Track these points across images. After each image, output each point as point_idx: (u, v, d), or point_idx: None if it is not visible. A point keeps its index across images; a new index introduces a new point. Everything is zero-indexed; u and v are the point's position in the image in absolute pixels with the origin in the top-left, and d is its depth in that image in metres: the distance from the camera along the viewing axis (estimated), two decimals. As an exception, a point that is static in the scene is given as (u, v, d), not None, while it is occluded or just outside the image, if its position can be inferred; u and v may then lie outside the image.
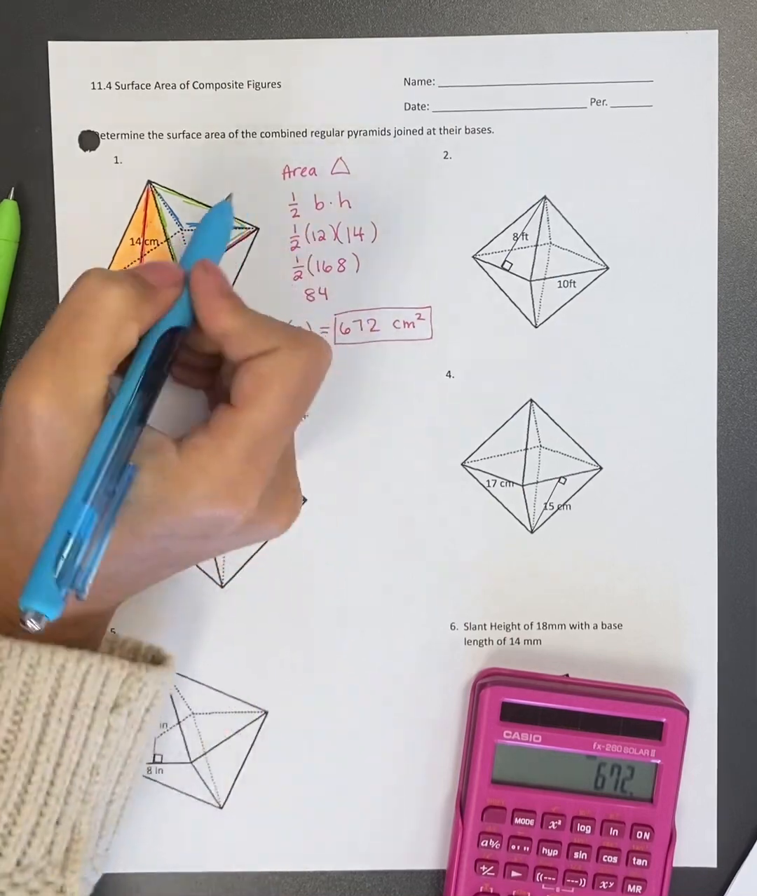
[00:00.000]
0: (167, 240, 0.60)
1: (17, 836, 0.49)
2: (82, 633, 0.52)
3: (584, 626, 0.61)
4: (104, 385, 0.48)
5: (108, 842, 0.54)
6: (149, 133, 0.60)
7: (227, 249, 0.59)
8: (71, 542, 0.46)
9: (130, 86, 0.60)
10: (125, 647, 0.56)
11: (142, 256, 0.60)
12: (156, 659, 0.55)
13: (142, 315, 0.49)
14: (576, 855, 0.58)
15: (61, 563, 0.46)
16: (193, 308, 0.51)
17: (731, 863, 0.62)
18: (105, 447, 0.47)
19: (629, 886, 0.58)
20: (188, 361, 0.55)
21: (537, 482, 0.61)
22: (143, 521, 0.48)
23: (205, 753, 0.61)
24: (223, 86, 0.60)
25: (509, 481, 0.61)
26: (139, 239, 0.60)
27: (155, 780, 0.61)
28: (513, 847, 0.58)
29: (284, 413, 0.49)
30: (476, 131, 0.60)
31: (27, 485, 0.48)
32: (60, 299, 0.60)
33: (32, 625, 0.45)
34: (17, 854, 0.49)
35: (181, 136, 0.60)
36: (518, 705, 0.58)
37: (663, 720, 0.58)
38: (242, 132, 0.60)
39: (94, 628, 0.54)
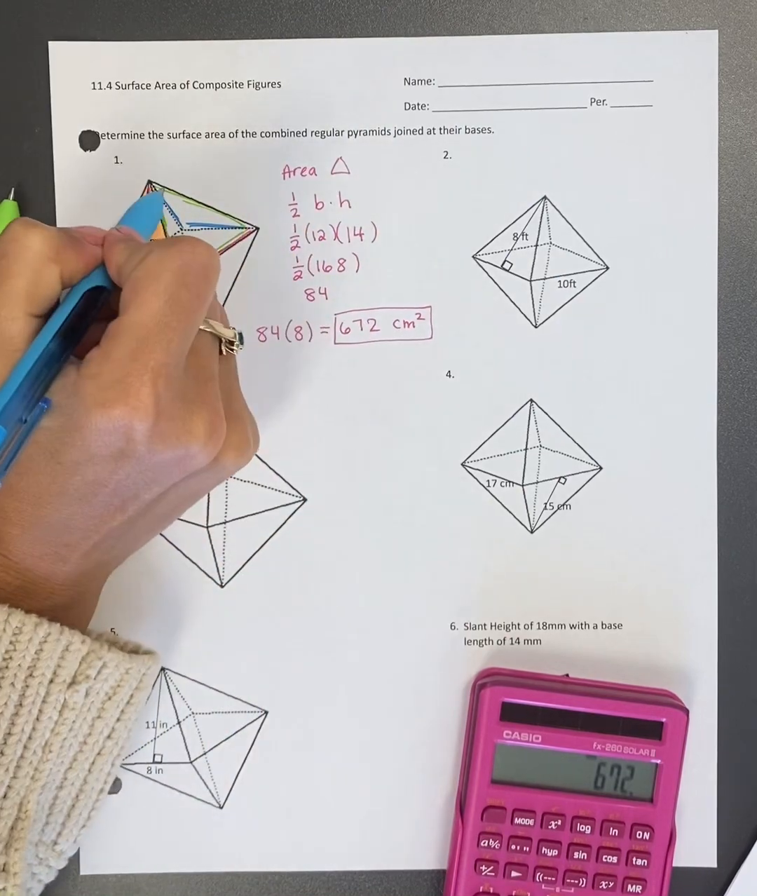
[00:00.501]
0: (167, 240, 0.60)
1: None
2: (57, 601, 0.52)
3: (584, 626, 0.61)
4: (26, 324, 0.49)
5: (70, 839, 0.54)
6: (149, 133, 0.60)
7: (222, 251, 0.60)
8: None
9: (130, 86, 0.60)
10: (125, 649, 0.56)
11: (142, 256, 0.60)
12: (134, 652, 0.55)
13: (64, 260, 0.50)
14: (576, 855, 0.58)
15: None
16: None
17: (731, 863, 0.62)
18: (21, 376, 0.48)
19: (629, 886, 0.58)
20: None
21: (537, 482, 0.61)
22: (58, 446, 0.48)
23: (205, 753, 0.61)
24: (223, 86, 0.60)
25: (509, 481, 0.61)
26: (139, 239, 0.60)
27: (155, 780, 0.61)
28: (513, 847, 0.58)
29: (163, 309, 0.49)
30: (476, 131, 0.60)
31: None
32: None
33: None
34: None
35: (181, 136, 0.60)
36: (518, 705, 0.58)
37: (663, 720, 0.58)
38: (242, 132, 0.60)
39: (76, 603, 0.53)
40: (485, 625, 0.61)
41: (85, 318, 0.51)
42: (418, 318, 0.60)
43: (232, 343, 0.53)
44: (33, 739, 0.50)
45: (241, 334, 0.53)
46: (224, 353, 0.53)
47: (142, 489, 0.50)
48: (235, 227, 0.60)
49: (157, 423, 0.48)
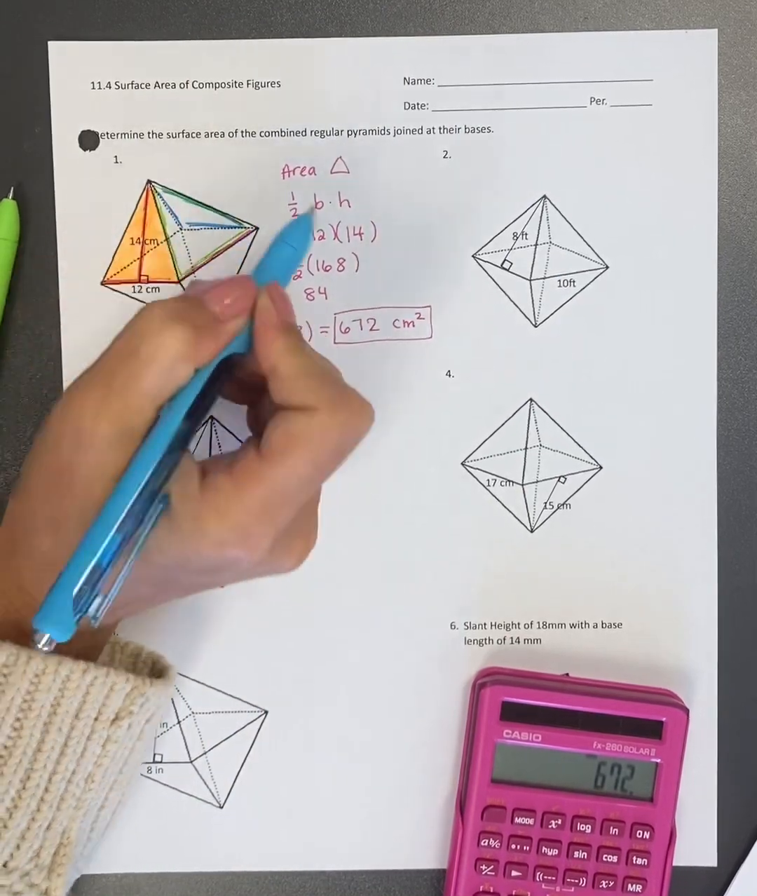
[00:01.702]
0: (167, 239, 0.60)
1: (7, 841, 0.49)
2: (86, 643, 0.52)
3: (583, 626, 0.61)
4: (152, 416, 0.48)
5: (94, 844, 0.54)
6: (149, 133, 0.60)
7: (222, 251, 0.60)
8: (91, 567, 0.46)
9: (130, 86, 0.60)
10: (126, 651, 0.56)
11: (141, 256, 0.60)
12: (156, 665, 0.55)
13: (199, 355, 0.48)
14: (576, 854, 0.58)
15: (79, 588, 0.45)
16: (252, 334, 0.50)
17: (731, 862, 0.62)
18: (145, 476, 0.47)
19: (629, 886, 0.58)
20: (239, 379, 0.53)
21: (537, 481, 0.61)
22: (156, 549, 0.48)
23: (205, 753, 0.61)
24: (223, 86, 0.60)
25: (509, 481, 0.61)
26: (139, 238, 0.60)
27: (155, 780, 0.61)
28: (513, 846, 0.58)
29: (309, 476, 0.48)
30: (476, 130, 0.60)
31: (59, 500, 0.48)
32: (61, 299, 0.60)
33: (43, 646, 0.45)
34: (4, 857, 0.49)
35: (181, 135, 0.60)
36: (518, 705, 0.58)
37: (663, 719, 0.58)
38: (242, 132, 0.60)
39: (98, 639, 0.54)
40: (485, 624, 0.61)
41: (212, 392, 0.50)
42: (418, 318, 0.60)
43: None
44: (77, 774, 0.51)
45: None
46: None
47: (211, 587, 0.52)
48: (235, 227, 0.60)
49: (265, 557, 0.49)
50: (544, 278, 0.61)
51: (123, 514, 0.46)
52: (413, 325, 0.60)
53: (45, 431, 0.49)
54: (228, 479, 0.48)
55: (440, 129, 0.60)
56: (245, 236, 0.60)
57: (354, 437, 0.49)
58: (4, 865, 0.49)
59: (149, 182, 0.60)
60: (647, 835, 0.58)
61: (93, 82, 0.60)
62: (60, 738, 0.50)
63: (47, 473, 0.49)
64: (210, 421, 0.60)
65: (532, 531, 0.61)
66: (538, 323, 0.61)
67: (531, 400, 0.61)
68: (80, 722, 0.50)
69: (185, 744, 0.61)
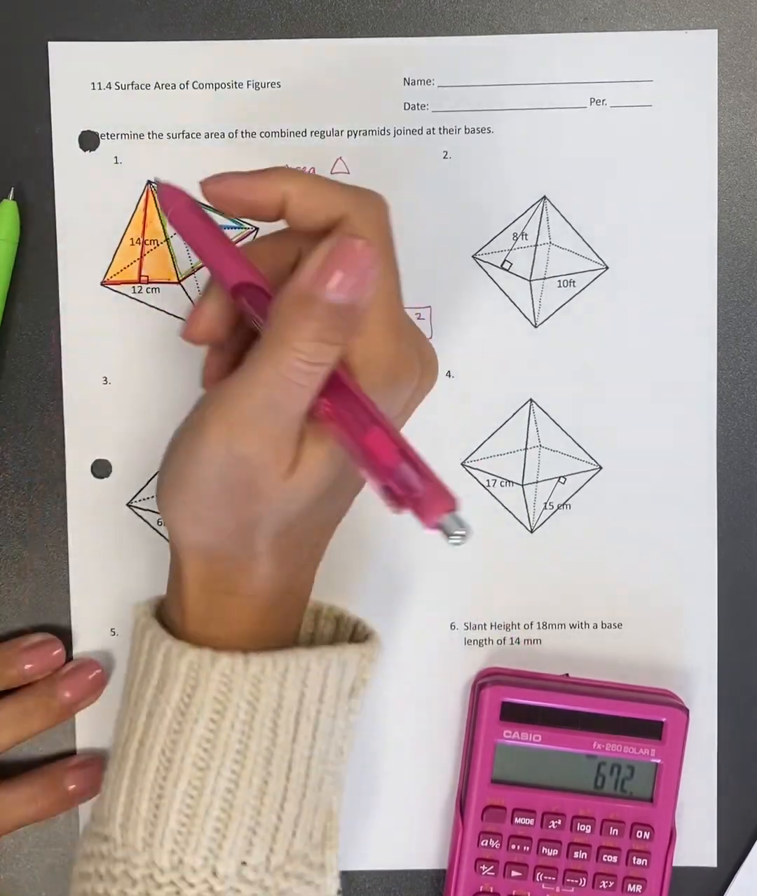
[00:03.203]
0: (167, 240, 0.60)
1: (283, 831, 0.50)
2: (287, 611, 0.52)
3: (584, 626, 0.61)
4: (303, 422, 0.46)
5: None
6: (149, 133, 0.60)
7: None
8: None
9: (130, 86, 0.60)
10: (330, 615, 0.56)
11: (141, 256, 0.60)
12: (357, 628, 0.56)
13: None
14: (576, 854, 0.58)
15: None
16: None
17: (731, 863, 0.62)
18: None
19: (629, 886, 0.58)
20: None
21: (537, 482, 0.61)
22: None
23: (205, 753, 0.61)
24: (223, 86, 0.60)
25: (509, 481, 0.61)
26: (139, 239, 0.60)
27: (155, 780, 0.61)
28: (513, 847, 0.58)
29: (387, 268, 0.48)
30: (476, 131, 0.60)
31: (248, 505, 0.47)
32: (61, 299, 0.60)
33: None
34: (287, 846, 0.50)
35: (181, 136, 0.60)
36: (518, 705, 0.58)
37: (663, 720, 0.58)
38: (242, 132, 0.60)
39: (305, 584, 0.54)
40: (485, 625, 0.61)
41: None
42: (418, 318, 0.60)
43: None
44: (329, 752, 0.51)
45: None
46: None
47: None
48: (235, 228, 0.60)
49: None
50: (544, 279, 0.61)
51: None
52: (413, 326, 0.60)
53: (204, 469, 0.47)
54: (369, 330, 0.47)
55: (440, 129, 0.60)
56: (245, 237, 0.60)
57: (387, 216, 0.48)
58: (287, 853, 0.50)
59: (149, 182, 0.60)
60: (647, 835, 0.58)
61: (93, 82, 0.60)
62: (310, 726, 0.50)
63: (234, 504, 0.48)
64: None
65: (532, 531, 0.61)
66: (538, 323, 0.61)
67: (531, 400, 0.61)
68: (325, 704, 0.51)
69: (185, 744, 0.61)
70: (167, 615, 0.52)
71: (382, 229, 0.48)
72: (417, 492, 0.41)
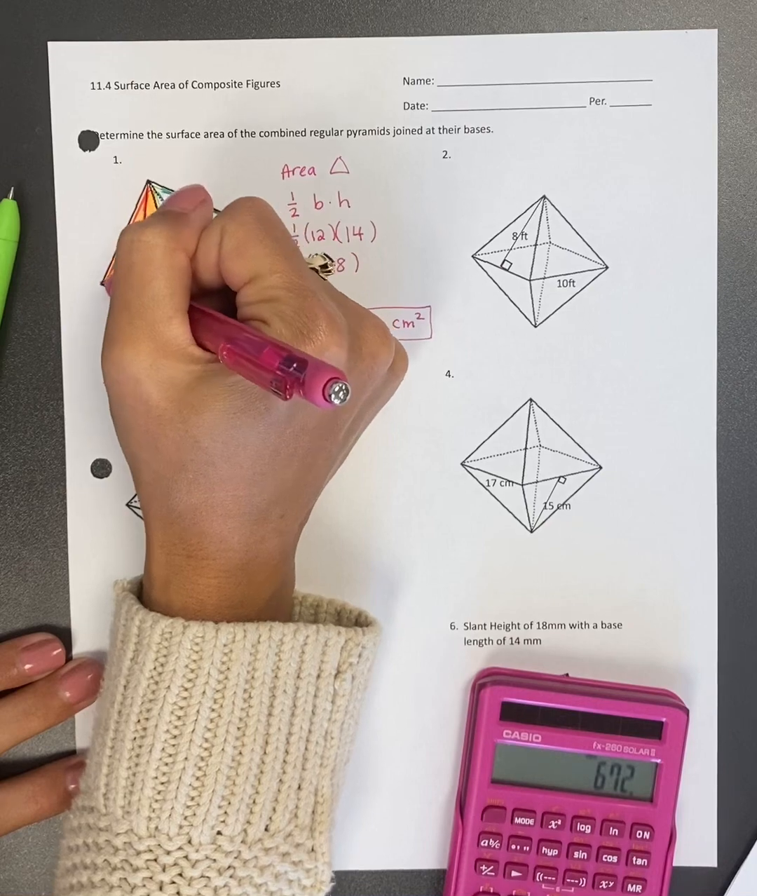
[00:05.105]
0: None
1: (261, 804, 0.51)
2: (282, 577, 0.54)
3: (584, 626, 0.61)
4: (182, 319, 0.50)
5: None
6: (149, 133, 0.60)
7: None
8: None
9: (130, 86, 0.60)
10: (331, 608, 0.57)
11: (142, 256, 0.60)
12: (359, 620, 0.57)
13: (184, 243, 0.51)
14: (576, 854, 0.58)
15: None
16: None
17: (731, 862, 0.62)
18: None
19: (629, 886, 0.58)
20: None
21: (537, 482, 0.61)
22: (264, 409, 0.49)
23: (205, 753, 0.61)
24: (223, 86, 0.60)
25: (509, 481, 0.61)
26: (139, 239, 0.60)
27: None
28: (513, 847, 0.58)
29: (275, 253, 0.50)
30: (475, 131, 0.60)
31: (157, 436, 0.50)
32: (61, 299, 0.60)
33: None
34: (264, 820, 0.51)
35: (181, 135, 0.60)
36: (518, 705, 0.58)
37: (663, 720, 0.58)
38: (242, 132, 0.60)
39: (289, 569, 0.55)
40: (485, 625, 0.61)
41: None
42: (418, 318, 0.60)
43: (325, 267, 0.54)
44: (313, 732, 0.52)
45: (327, 255, 0.55)
46: (323, 279, 0.54)
47: (341, 418, 0.52)
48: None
49: (348, 344, 0.50)
50: (544, 278, 0.61)
51: None
52: (413, 325, 0.60)
53: (114, 403, 0.51)
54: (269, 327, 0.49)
55: (440, 129, 0.60)
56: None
57: (261, 207, 0.51)
58: (266, 829, 0.51)
59: (149, 182, 0.60)
60: (647, 835, 0.58)
61: (93, 82, 0.60)
62: (288, 700, 0.52)
63: (136, 426, 0.50)
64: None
65: (532, 531, 0.61)
66: (538, 323, 0.61)
67: (531, 400, 0.61)
68: (303, 681, 0.52)
69: (185, 744, 0.61)
70: (143, 590, 0.54)
71: (255, 220, 0.51)
72: (302, 376, 0.44)
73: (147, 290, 0.50)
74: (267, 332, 0.48)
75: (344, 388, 0.43)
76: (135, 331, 0.50)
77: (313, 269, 0.53)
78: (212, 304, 0.52)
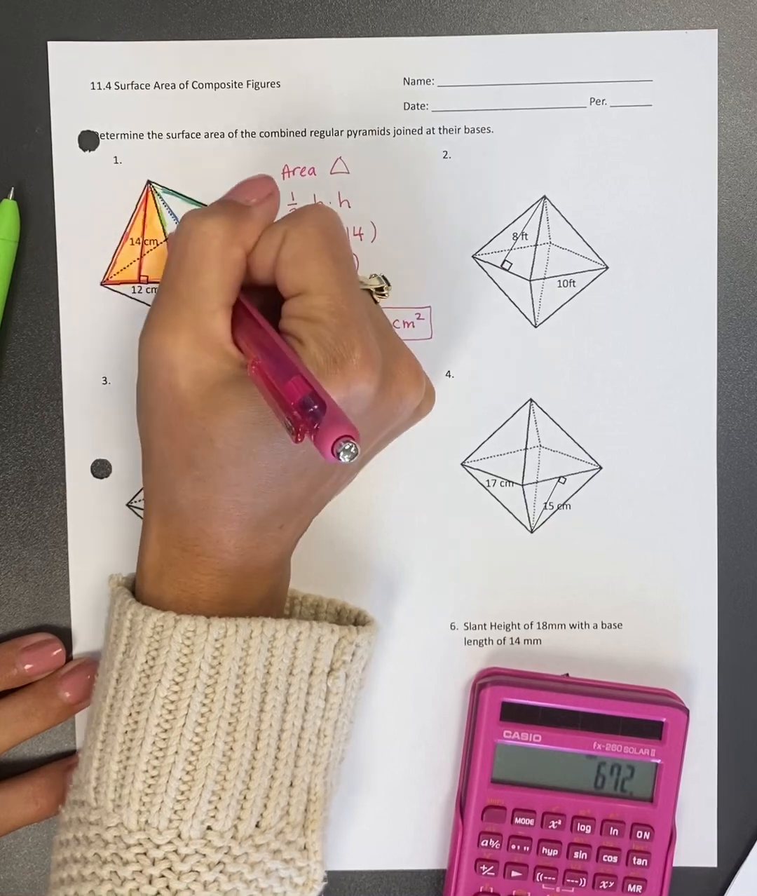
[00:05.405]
0: (167, 240, 0.60)
1: (252, 801, 0.51)
2: (274, 581, 0.54)
3: (584, 626, 0.61)
4: (226, 313, 0.50)
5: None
6: (149, 133, 0.60)
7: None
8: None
9: (130, 86, 0.60)
10: (331, 608, 0.58)
11: (141, 256, 0.60)
12: (358, 620, 0.57)
13: (243, 238, 0.50)
14: (576, 855, 0.58)
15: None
16: None
17: (731, 862, 0.62)
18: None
19: (629, 886, 0.58)
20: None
21: (537, 482, 0.61)
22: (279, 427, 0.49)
23: (205, 753, 0.61)
24: (223, 86, 0.60)
25: (509, 481, 0.61)
26: (139, 239, 0.60)
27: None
28: (513, 847, 0.58)
29: (329, 273, 0.50)
30: (475, 131, 0.60)
31: (176, 425, 0.50)
32: (61, 299, 0.60)
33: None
34: (255, 817, 0.51)
35: (181, 135, 0.60)
36: (518, 705, 0.58)
37: (663, 720, 0.58)
38: (242, 132, 0.60)
39: (285, 573, 0.55)
40: (485, 625, 0.61)
41: None
42: (418, 318, 0.60)
43: (381, 290, 0.54)
44: (306, 730, 0.52)
45: (385, 278, 0.54)
46: (376, 302, 0.54)
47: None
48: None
49: (378, 381, 0.49)
50: (544, 278, 0.61)
51: None
52: (413, 326, 0.60)
53: (144, 384, 0.51)
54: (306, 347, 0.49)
55: (440, 129, 0.60)
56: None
57: (330, 221, 0.51)
58: (257, 825, 0.51)
59: (149, 182, 0.60)
60: (647, 835, 0.58)
61: (93, 82, 0.60)
62: (280, 696, 0.52)
63: (160, 409, 0.50)
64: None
65: (532, 531, 0.61)
66: (538, 323, 0.61)
67: (531, 400, 0.61)
68: (296, 678, 0.52)
69: (185, 744, 0.61)
70: (136, 583, 0.54)
71: (320, 233, 0.50)
72: (318, 423, 0.44)
73: (198, 280, 0.50)
74: (301, 352, 0.48)
75: (354, 447, 0.42)
76: (179, 319, 0.50)
77: (366, 290, 0.53)
78: (260, 300, 0.51)
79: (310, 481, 0.51)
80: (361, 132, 0.60)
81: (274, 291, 0.51)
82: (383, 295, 0.54)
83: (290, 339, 0.49)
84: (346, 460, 0.43)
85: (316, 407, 0.43)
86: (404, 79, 0.60)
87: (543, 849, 0.58)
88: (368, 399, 0.49)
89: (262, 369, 0.47)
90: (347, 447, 0.43)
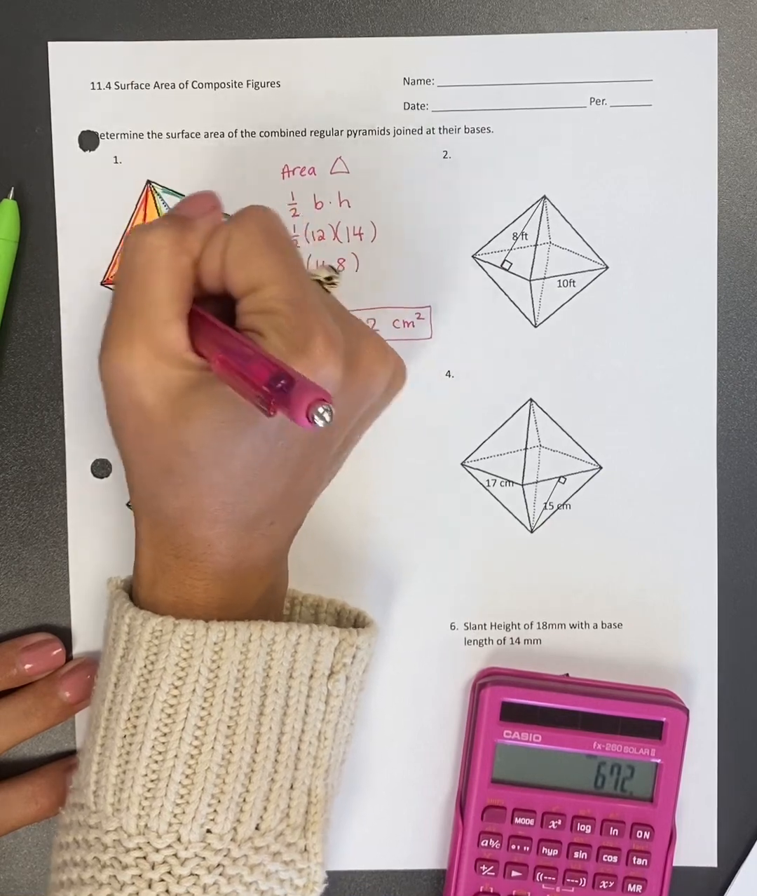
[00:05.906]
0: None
1: (251, 803, 0.51)
2: (270, 580, 0.54)
3: (584, 626, 0.61)
4: (181, 323, 0.49)
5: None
6: (148, 133, 0.60)
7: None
8: None
9: (130, 86, 0.60)
10: (331, 608, 0.58)
11: (142, 256, 0.60)
12: (358, 621, 0.57)
13: (188, 246, 0.50)
14: (576, 854, 0.58)
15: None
16: None
17: (731, 862, 0.62)
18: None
19: (629, 886, 0.58)
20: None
21: (537, 482, 0.61)
22: (257, 422, 0.49)
23: (205, 753, 0.61)
24: (223, 86, 0.60)
25: (509, 481, 0.61)
26: (139, 239, 0.60)
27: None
28: (513, 847, 0.58)
29: (277, 265, 0.50)
30: (475, 131, 0.60)
31: (147, 438, 0.49)
32: (61, 299, 0.60)
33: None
34: (255, 819, 0.51)
35: (181, 136, 0.60)
36: (518, 705, 0.58)
37: (663, 720, 0.58)
38: (242, 132, 0.60)
39: (282, 571, 0.55)
40: (485, 625, 0.61)
41: None
42: (418, 318, 0.60)
43: (330, 279, 0.54)
44: (306, 733, 0.52)
45: (333, 267, 0.54)
46: (327, 291, 0.54)
47: (334, 433, 0.52)
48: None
49: (343, 363, 0.49)
50: (544, 278, 0.61)
51: None
52: (413, 326, 0.61)
53: (108, 402, 0.51)
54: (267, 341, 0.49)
55: (440, 129, 0.60)
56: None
57: (267, 218, 0.51)
58: (257, 828, 0.51)
59: (149, 182, 0.60)
60: (647, 835, 0.58)
61: (93, 82, 0.60)
62: (279, 700, 0.52)
63: (127, 426, 0.50)
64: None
65: (532, 531, 0.61)
66: (538, 323, 0.61)
67: (531, 400, 0.61)
68: (295, 681, 0.52)
69: (185, 744, 0.61)
70: (133, 588, 0.54)
71: (261, 230, 0.50)
72: (288, 394, 0.44)
73: (148, 292, 0.49)
74: (263, 344, 0.48)
75: (328, 409, 0.42)
76: (132, 332, 0.49)
77: (317, 280, 0.53)
78: (215, 309, 0.51)
79: (292, 472, 0.51)
80: (361, 132, 0.60)
81: (229, 302, 0.51)
82: (334, 283, 0.53)
83: (251, 334, 0.49)
84: (323, 423, 0.42)
85: (284, 382, 0.43)
86: (404, 79, 0.60)
87: (543, 849, 0.58)
88: (337, 382, 0.49)
89: (226, 363, 0.47)
90: (322, 411, 0.42)
